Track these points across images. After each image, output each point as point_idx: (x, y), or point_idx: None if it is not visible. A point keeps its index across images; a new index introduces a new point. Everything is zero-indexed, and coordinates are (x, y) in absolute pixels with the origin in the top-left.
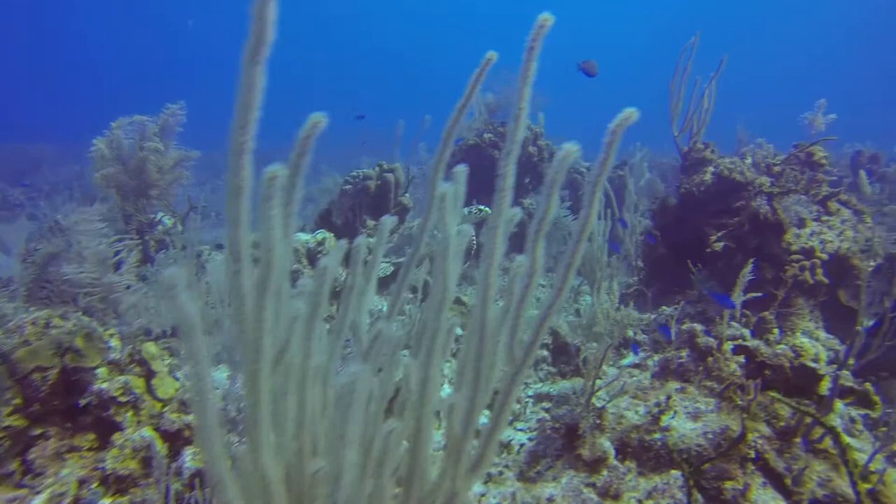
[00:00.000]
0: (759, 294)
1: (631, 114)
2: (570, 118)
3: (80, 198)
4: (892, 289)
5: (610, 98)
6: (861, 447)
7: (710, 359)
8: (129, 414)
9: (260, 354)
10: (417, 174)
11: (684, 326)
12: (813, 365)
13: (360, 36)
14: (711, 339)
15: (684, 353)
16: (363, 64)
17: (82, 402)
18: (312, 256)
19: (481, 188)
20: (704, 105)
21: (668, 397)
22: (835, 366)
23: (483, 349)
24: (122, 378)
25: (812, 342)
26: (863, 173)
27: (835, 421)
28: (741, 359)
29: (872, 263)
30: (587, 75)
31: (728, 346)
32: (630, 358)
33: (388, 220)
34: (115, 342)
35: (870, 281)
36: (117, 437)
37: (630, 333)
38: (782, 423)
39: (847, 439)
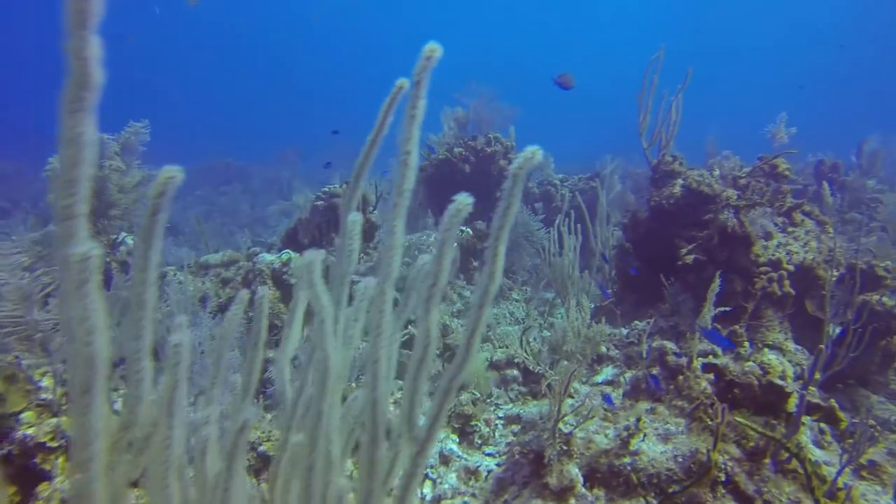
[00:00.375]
0: (729, 308)
1: (533, 153)
2: (563, 125)
3: (35, 220)
4: (854, 299)
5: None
6: (829, 460)
7: (681, 377)
8: (61, 460)
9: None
10: (388, 190)
11: (655, 343)
12: (780, 382)
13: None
14: (682, 358)
15: (654, 372)
16: (346, 73)
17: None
18: (278, 278)
19: (448, 205)
20: (672, 117)
21: (638, 419)
22: (802, 381)
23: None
24: (53, 421)
25: (779, 358)
26: (825, 185)
27: (804, 434)
28: (711, 377)
29: (835, 273)
30: (563, 89)
31: (698, 363)
32: (604, 374)
33: (354, 220)
34: (47, 381)
35: (834, 291)
36: (43, 489)
37: (603, 349)
38: (752, 444)
39: (816, 453)
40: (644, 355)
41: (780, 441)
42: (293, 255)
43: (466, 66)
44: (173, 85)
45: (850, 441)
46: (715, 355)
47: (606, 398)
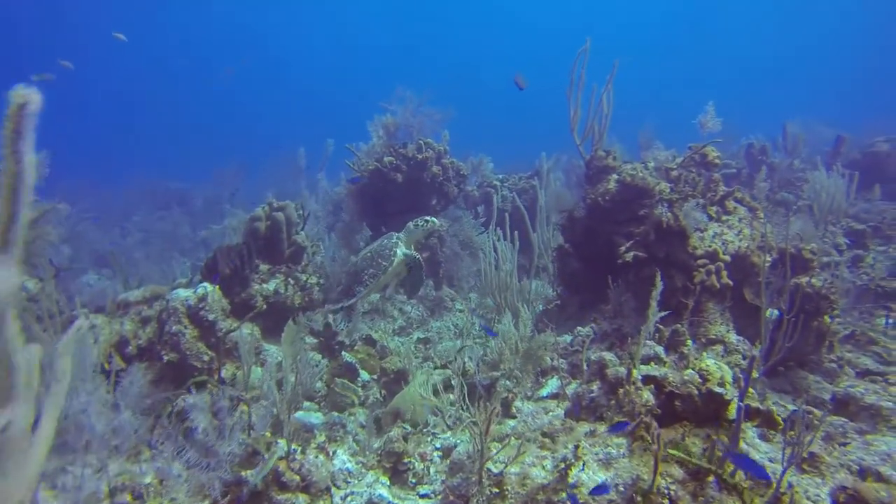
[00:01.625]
0: (670, 310)
1: None
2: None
3: None
4: (786, 285)
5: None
6: (774, 456)
7: (622, 390)
8: None
9: None
10: (318, 209)
11: (594, 355)
12: (719, 391)
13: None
14: (621, 370)
15: (595, 387)
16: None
17: None
18: (195, 315)
19: (387, 215)
20: (604, 110)
21: (577, 446)
22: (740, 384)
23: None
24: None
25: (717, 364)
26: (763, 170)
27: (749, 430)
28: (652, 387)
29: (768, 258)
30: (519, 88)
31: (638, 372)
32: (548, 387)
33: None
34: None
35: (768, 276)
36: None
37: (547, 360)
38: (694, 461)
39: (762, 447)
40: (585, 366)
41: (714, 471)
42: (210, 288)
43: (399, 71)
44: (110, 108)
45: (792, 434)
46: (658, 357)
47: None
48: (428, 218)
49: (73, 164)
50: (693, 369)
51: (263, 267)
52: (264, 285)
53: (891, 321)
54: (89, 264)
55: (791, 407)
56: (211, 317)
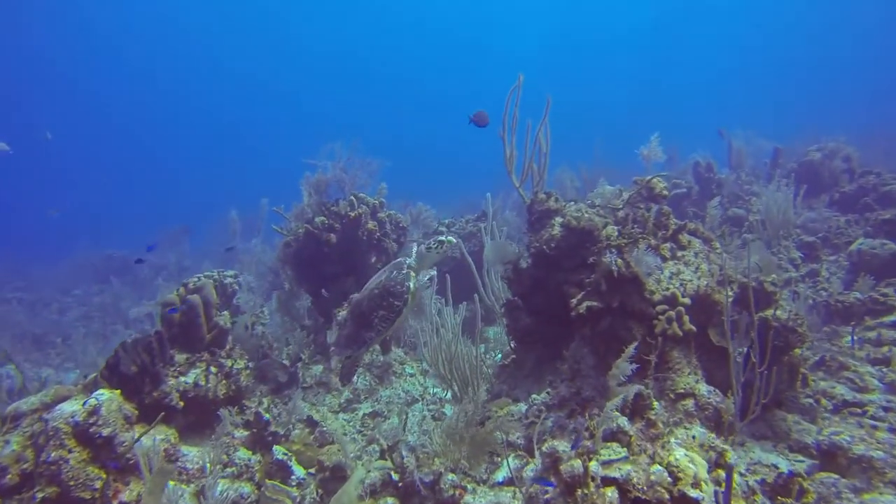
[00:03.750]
0: (635, 367)
1: None
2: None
3: None
4: (752, 324)
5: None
6: None
7: (580, 492)
8: None
9: None
10: (250, 280)
11: (545, 446)
12: (694, 495)
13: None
14: (577, 465)
15: (550, 492)
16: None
17: None
18: (83, 434)
19: (326, 279)
20: (542, 148)
21: None
22: (719, 474)
23: None
24: None
25: (688, 455)
26: (714, 199)
27: None
28: (614, 490)
29: (730, 293)
30: (478, 126)
31: (598, 464)
32: (504, 470)
33: None
34: None
35: (732, 313)
36: None
37: (502, 438)
38: None
39: None
40: (538, 455)
41: None
42: (106, 396)
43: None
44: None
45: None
46: (622, 434)
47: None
48: (441, 238)
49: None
50: (661, 465)
51: (180, 357)
52: (182, 378)
53: (855, 339)
54: (16, 351)
55: (774, 457)
56: (106, 431)
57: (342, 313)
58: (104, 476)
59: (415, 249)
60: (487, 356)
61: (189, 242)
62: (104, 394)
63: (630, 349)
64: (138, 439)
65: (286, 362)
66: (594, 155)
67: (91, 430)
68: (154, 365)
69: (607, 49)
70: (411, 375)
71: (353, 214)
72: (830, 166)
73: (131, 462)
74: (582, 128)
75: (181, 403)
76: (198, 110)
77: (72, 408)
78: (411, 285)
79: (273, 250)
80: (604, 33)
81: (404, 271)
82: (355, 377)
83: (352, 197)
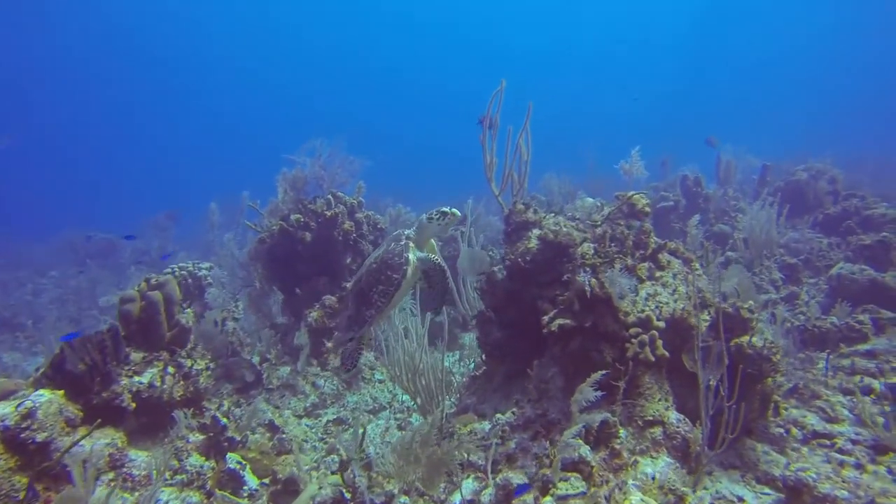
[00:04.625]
0: (600, 394)
1: None
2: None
3: None
4: (722, 356)
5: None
6: None
7: None
8: None
9: None
10: (221, 275)
11: (499, 477)
12: None
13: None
14: (529, 500)
15: None
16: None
17: None
18: (13, 440)
19: (299, 277)
20: (522, 156)
21: None
22: None
23: None
24: None
25: (644, 502)
26: (694, 220)
27: None
28: None
29: (706, 317)
30: (489, 128)
31: (550, 500)
32: (461, 492)
33: None
34: None
35: (707, 339)
36: None
37: (464, 457)
38: None
39: None
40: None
41: None
42: (47, 397)
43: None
44: (24, 147)
45: None
46: (582, 464)
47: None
48: (445, 208)
49: None
50: None
51: (136, 356)
52: (136, 378)
53: (829, 366)
54: None
55: (740, 489)
56: (41, 437)
57: (313, 314)
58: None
59: (419, 220)
60: (461, 363)
61: (175, 228)
62: (43, 395)
63: (595, 375)
64: (75, 444)
65: (256, 360)
66: (586, 163)
67: (23, 435)
68: (105, 363)
69: (609, 57)
70: (380, 381)
71: (329, 214)
72: (816, 187)
73: (69, 469)
74: (578, 135)
75: (133, 405)
76: (201, 100)
77: (3, 410)
78: (410, 256)
79: (246, 245)
80: (603, 41)
81: (402, 242)
82: (322, 381)
83: (329, 195)
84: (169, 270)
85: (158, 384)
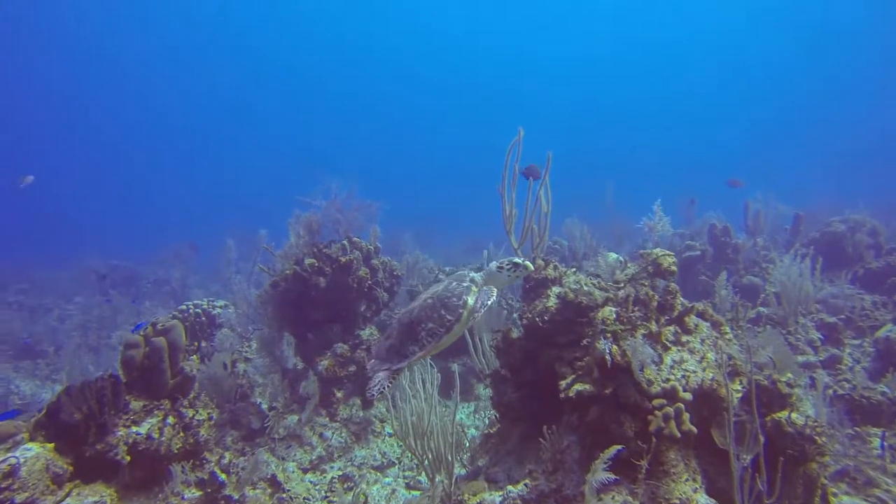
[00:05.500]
0: (613, 478)
1: None
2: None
3: None
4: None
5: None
6: None
7: None
8: None
9: None
10: (230, 315)
11: None
12: None
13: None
14: None
15: None
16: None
17: None
18: None
19: (311, 323)
20: (542, 208)
21: None
22: None
23: None
24: None
25: None
26: (722, 278)
27: None
28: None
29: (738, 388)
30: (529, 179)
31: None
32: None
33: None
34: None
35: (741, 413)
36: None
37: None
38: None
39: None
40: None
41: None
42: (34, 451)
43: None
44: (58, 179)
45: None
46: None
47: None
48: (518, 259)
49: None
50: None
51: (137, 404)
52: (134, 428)
53: (885, 445)
54: (7, 358)
55: None
56: (21, 497)
57: (324, 362)
58: None
59: (489, 268)
60: (476, 416)
61: (198, 259)
62: (31, 449)
63: (609, 451)
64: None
65: (265, 406)
66: (606, 202)
67: (2, 496)
68: (102, 413)
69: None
70: (391, 436)
71: (344, 259)
72: (854, 239)
73: None
74: (602, 175)
75: (128, 458)
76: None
77: None
78: (469, 300)
79: (262, 285)
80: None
81: (465, 284)
82: (330, 433)
83: (345, 240)
84: (184, 307)
85: (157, 436)
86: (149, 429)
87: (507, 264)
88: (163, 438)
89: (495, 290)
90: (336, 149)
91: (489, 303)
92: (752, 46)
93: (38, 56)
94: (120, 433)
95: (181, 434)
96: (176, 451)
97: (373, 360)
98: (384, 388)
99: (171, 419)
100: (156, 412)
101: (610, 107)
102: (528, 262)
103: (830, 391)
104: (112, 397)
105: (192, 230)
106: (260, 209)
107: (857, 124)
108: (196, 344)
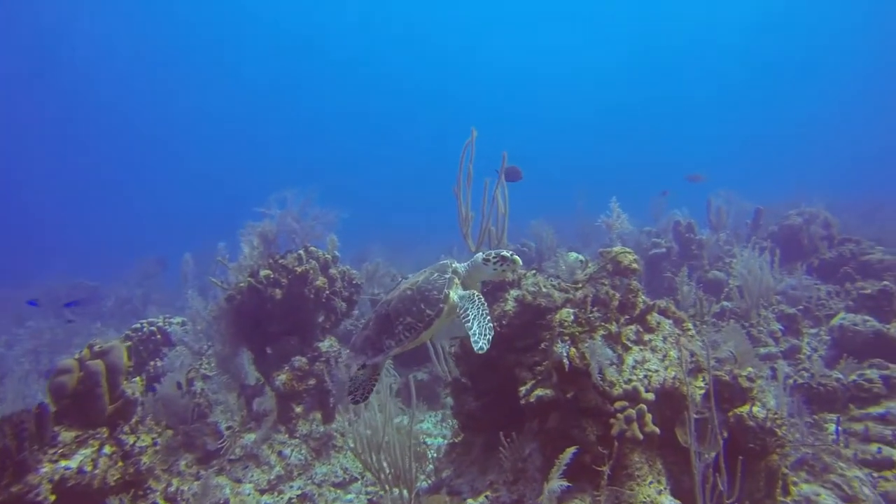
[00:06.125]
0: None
1: None
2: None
3: None
4: (721, 430)
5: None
6: None
7: None
8: None
9: None
10: (190, 331)
11: None
12: None
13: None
14: None
15: None
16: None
17: None
18: None
19: (269, 336)
20: (500, 209)
21: None
22: None
23: None
24: None
25: None
26: (683, 274)
27: None
28: None
29: (701, 384)
30: (510, 182)
31: None
32: None
33: None
34: None
35: (701, 410)
36: None
37: None
38: None
39: None
40: None
41: None
42: None
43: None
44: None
45: None
46: None
47: None
48: (506, 252)
49: None
50: None
51: (67, 435)
52: (63, 463)
53: (839, 430)
54: None
55: None
56: None
57: (281, 377)
58: None
59: (475, 259)
60: (443, 424)
61: (164, 275)
62: None
63: (564, 457)
64: None
65: (223, 425)
66: (576, 207)
67: None
68: (21, 450)
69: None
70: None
71: (300, 269)
72: (810, 231)
73: None
74: (577, 182)
75: (52, 497)
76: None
77: None
78: (451, 294)
79: (214, 301)
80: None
81: (447, 275)
82: (289, 450)
83: (301, 250)
84: (137, 326)
85: (89, 468)
86: (81, 461)
87: (494, 256)
88: (96, 471)
89: (478, 294)
90: (312, 159)
91: (490, 336)
92: (740, 56)
93: None
94: (44, 470)
95: (119, 464)
96: (113, 484)
97: (348, 352)
98: (368, 392)
99: (107, 448)
100: (90, 442)
101: (592, 118)
102: (516, 257)
103: (791, 381)
104: (36, 430)
105: (165, 245)
106: (230, 221)
107: (863, 127)
108: (152, 364)
